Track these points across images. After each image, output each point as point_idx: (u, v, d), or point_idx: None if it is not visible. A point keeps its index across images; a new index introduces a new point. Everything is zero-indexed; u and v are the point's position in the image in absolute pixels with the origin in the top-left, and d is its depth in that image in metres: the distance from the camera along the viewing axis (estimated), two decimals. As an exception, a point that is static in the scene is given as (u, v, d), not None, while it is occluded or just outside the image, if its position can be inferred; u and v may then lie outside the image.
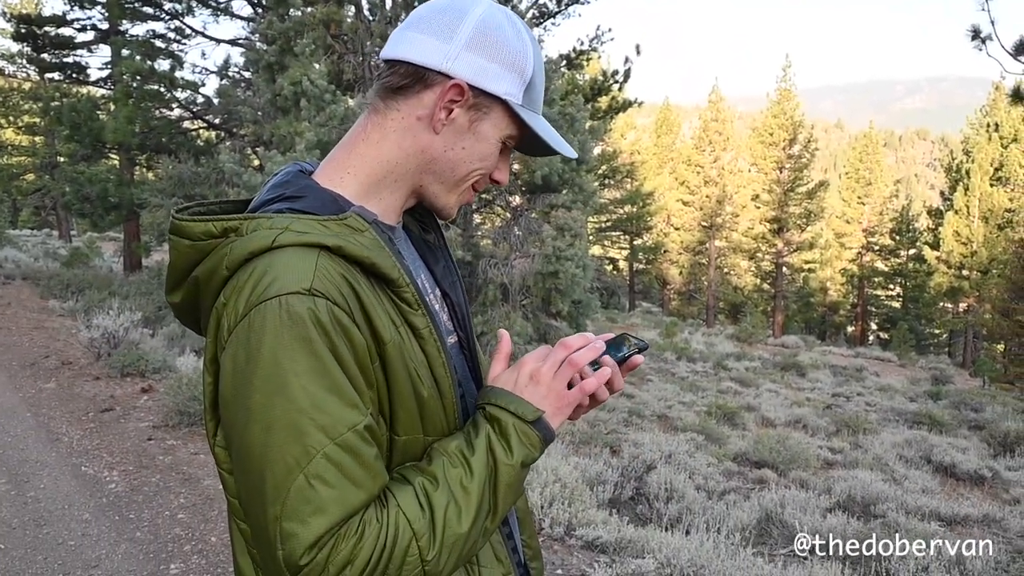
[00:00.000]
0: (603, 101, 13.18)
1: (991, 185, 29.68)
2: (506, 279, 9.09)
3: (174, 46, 16.55)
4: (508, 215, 10.10)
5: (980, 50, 6.17)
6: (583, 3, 12.37)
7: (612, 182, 31.62)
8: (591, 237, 33.57)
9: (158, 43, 16.05)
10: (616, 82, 12.79)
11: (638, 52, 12.68)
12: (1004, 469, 8.37)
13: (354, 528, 0.75)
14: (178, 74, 14.62)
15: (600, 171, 27.57)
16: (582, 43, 13.00)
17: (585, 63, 13.35)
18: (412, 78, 0.89)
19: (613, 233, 36.17)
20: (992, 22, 6.05)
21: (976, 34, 6.15)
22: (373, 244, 0.83)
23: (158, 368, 7.51)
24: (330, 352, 0.76)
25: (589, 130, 10.72)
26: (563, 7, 12.20)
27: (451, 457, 0.85)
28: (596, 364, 0.93)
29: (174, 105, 15.61)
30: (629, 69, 12.66)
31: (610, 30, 13.05)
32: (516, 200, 10.00)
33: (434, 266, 1.02)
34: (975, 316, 28.29)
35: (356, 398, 0.78)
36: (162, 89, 14.34)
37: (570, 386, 0.91)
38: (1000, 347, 25.37)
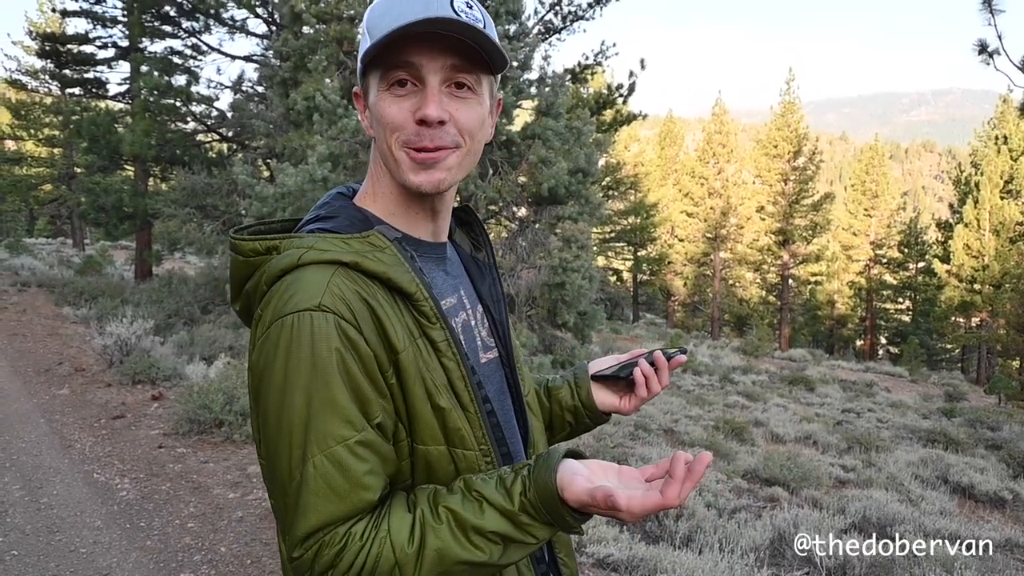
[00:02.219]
0: (608, 114, 13.29)
1: (1001, 198, 29.37)
2: (512, 290, 9.16)
3: (191, 62, 16.86)
4: (514, 226, 10.19)
5: (988, 64, 6.18)
6: (588, 19, 12.50)
7: (616, 193, 31.48)
8: (595, 248, 33.54)
9: (175, 59, 16.39)
10: (621, 95, 12.90)
11: (642, 66, 12.79)
12: None
13: (338, 538, 0.80)
14: (194, 89, 14.93)
15: (604, 182, 27.57)
16: (587, 58, 13.12)
17: (590, 77, 13.48)
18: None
19: (617, 244, 35.92)
20: (999, 36, 6.04)
21: (983, 48, 6.13)
22: (392, 260, 0.88)
23: (168, 376, 7.61)
24: (335, 367, 0.81)
25: (594, 142, 10.80)
26: (568, 23, 12.35)
27: (472, 502, 0.84)
28: (629, 367, 1.17)
29: (189, 119, 15.89)
30: (634, 83, 12.77)
31: (614, 45, 13.17)
32: (522, 212, 10.09)
33: (480, 284, 1.07)
34: (989, 331, 27.71)
35: (354, 412, 0.82)
36: (178, 103, 14.62)
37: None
38: (1015, 363, 24.69)
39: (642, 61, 12.60)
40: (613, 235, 34.76)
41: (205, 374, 7.19)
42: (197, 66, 16.89)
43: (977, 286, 29.15)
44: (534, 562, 1.01)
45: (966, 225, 30.04)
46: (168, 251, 17.46)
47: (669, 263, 36.08)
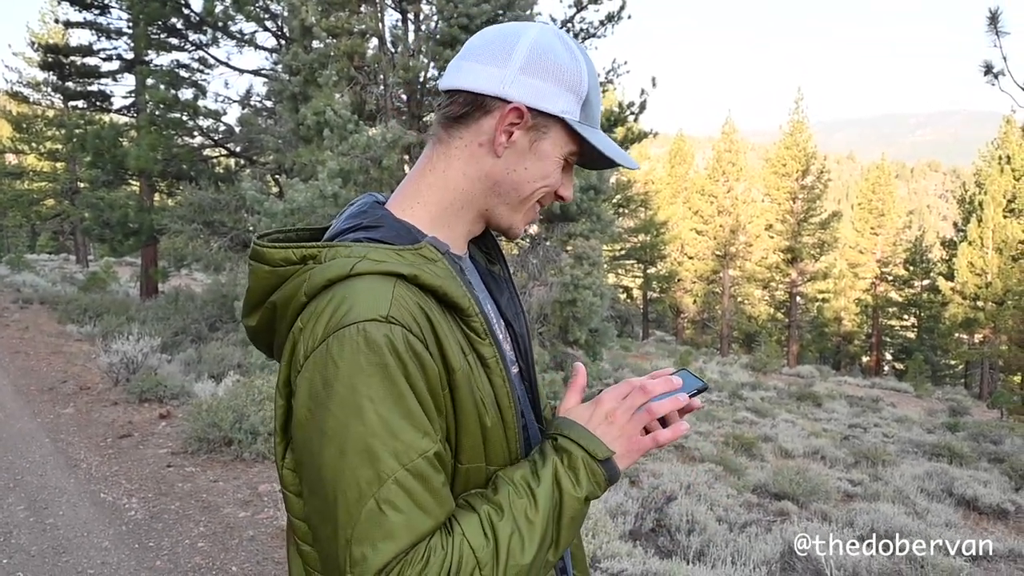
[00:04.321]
0: (619, 132, 13.26)
1: (1004, 217, 29.73)
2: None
3: (198, 75, 16.83)
4: (526, 243, 10.12)
5: (993, 84, 6.29)
6: (599, 36, 12.52)
7: (626, 211, 31.73)
8: (606, 265, 33.64)
9: (182, 73, 16.35)
10: (632, 113, 12.88)
11: (654, 84, 12.79)
12: None
13: (420, 555, 0.76)
14: (201, 103, 14.89)
15: (615, 200, 27.71)
16: (599, 76, 13.10)
17: (602, 95, 13.40)
18: (471, 106, 0.91)
19: (627, 261, 36.14)
20: (1004, 58, 6.16)
21: (989, 69, 6.28)
22: (446, 273, 0.85)
23: (176, 394, 7.52)
24: (404, 379, 0.78)
25: (606, 160, 10.74)
26: (580, 41, 12.38)
27: (517, 487, 0.85)
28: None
29: (196, 133, 15.85)
30: (645, 101, 12.76)
31: (626, 63, 13.18)
32: (534, 228, 10.03)
33: (499, 297, 1.04)
34: (991, 347, 28.11)
35: (428, 425, 0.79)
36: (185, 117, 14.58)
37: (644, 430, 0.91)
38: (1017, 378, 25.23)
39: (653, 79, 12.59)
40: (623, 252, 35.02)
41: (214, 392, 7.08)
42: (204, 80, 16.89)
43: (980, 303, 29.48)
44: (557, 573, 1.00)
45: (970, 243, 30.39)
46: (175, 267, 17.41)
47: (679, 280, 36.36)
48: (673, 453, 9.52)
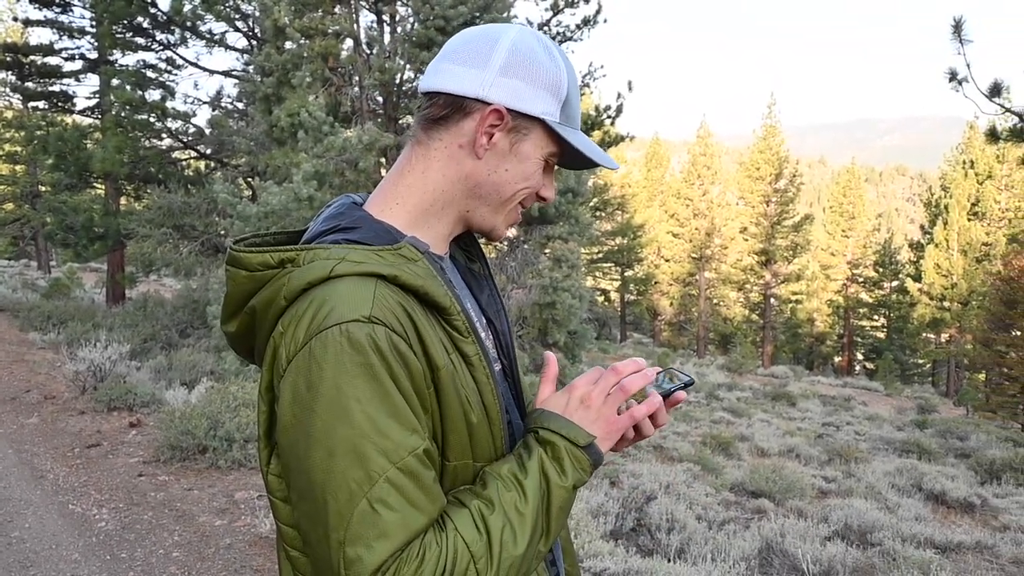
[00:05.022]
0: (596, 135, 13.29)
1: (968, 219, 30.62)
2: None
3: (166, 76, 16.45)
4: (504, 246, 10.08)
5: (957, 91, 6.41)
6: (576, 40, 12.57)
7: (603, 214, 32.02)
8: (584, 268, 33.82)
9: (149, 73, 15.94)
10: (609, 117, 12.92)
11: (630, 88, 12.85)
12: (992, 496, 8.48)
13: (415, 552, 0.76)
14: (169, 104, 14.51)
15: (592, 203, 27.89)
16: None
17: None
18: (451, 108, 0.91)
19: (604, 264, 36.44)
20: (968, 65, 6.27)
21: (953, 76, 6.38)
22: (426, 273, 0.85)
23: (147, 402, 7.32)
24: (390, 378, 0.78)
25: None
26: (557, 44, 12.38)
27: (505, 481, 0.86)
28: (642, 395, 0.94)
29: (164, 135, 15.49)
30: (621, 104, 12.81)
31: (602, 66, 13.25)
32: (512, 231, 10.00)
33: (479, 295, 1.04)
34: (957, 346, 28.93)
35: (415, 423, 0.79)
36: (152, 119, 14.22)
37: (618, 412, 0.92)
38: (982, 376, 25.90)
39: (629, 83, 12.66)
40: (601, 255, 35.32)
41: (186, 399, 6.90)
42: (173, 80, 16.54)
43: (947, 303, 30.32)
44: (547, 564, 1.01)
45: (936, 245, 31.24)
46: (143, 273, 17.03)
47: (656, 283, 36.78)
48: (652, 453, 9.59)
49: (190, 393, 7.37)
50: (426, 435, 0.81)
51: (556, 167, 1.01)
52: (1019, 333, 20.49)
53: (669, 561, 4.17)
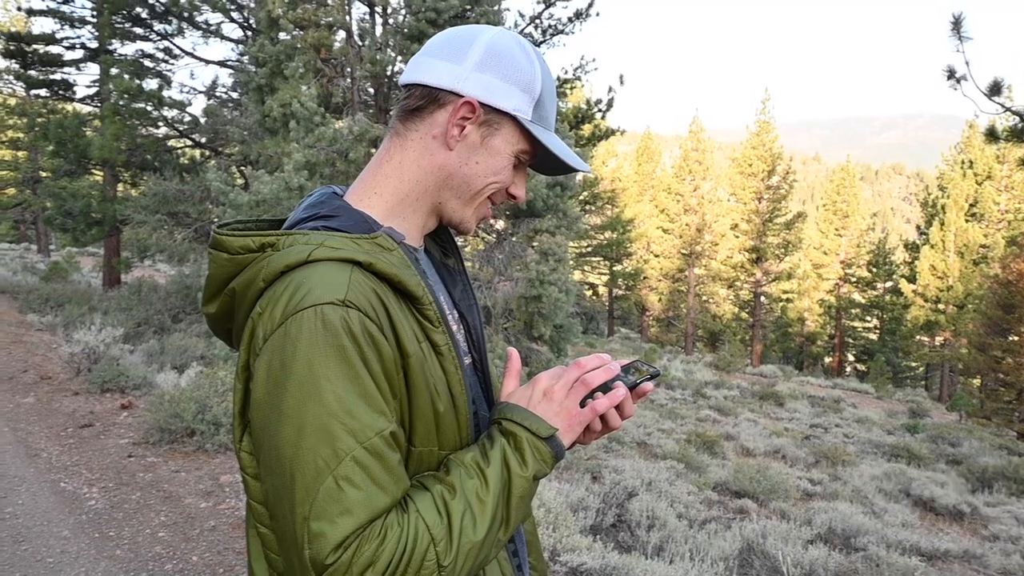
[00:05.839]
0: (586, 129, 13.40)
1: (966, 221, 30.15)
2: (489, 302, 9.15)
3: (163, 66, 16.58)
4: (492, 239, 10.20)
5: (955, 89, 6.28)
6: (568, 33, 12.64)
7: (593, 208, 31.72)
8: (571, 262, 33.67)
9: (147, 63, 16.09)
10: (600, 111, 13.03)
11: (621, 82, 12.95)
12: (983, 505, 8.38)
13: (377, 530, 0.78)
14: (166, 93, 14.63)
15: (582, 197, 27.75)
16: (567, 72, 13.28)
17: (569, 91, 13.62)
18: (427, 99, 0.95)
19: (593, 258, 36.02)
20: (967, 63, 6.15)
21: (952, 74, 6.24)
22: (401, 262, 0.88)
23: (138, 384, 7.48)
24: (361, 361, 0.80)
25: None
26: (548, 37, 12.46)
27: (467, 468, 0.88)
28: (607, 387, 0.95)
29: (161, 123, 15.61)
30: (613, 98, 12.92)
31: (594, 60, 13.32)
32: (500, 224, 10.11)
33: (452, 289, 1.07)
34: (951, 350, 28.29)
35: (384, 405, 0.82)
36: (149, 107, 14.34)
37: (583, 405, 0.94)
38: (976, 382, 25.17)
39: (621, 77, 12.76)
40: (589, 249, 34.91)
41: (176, 383, 7.06)
42: (169, 70, 16.67)
43: (941, 306, 29.86)
44: (509, 555, 1.03)
45: (932, 247, 30.75)
46: (138, 258, 17.13)
47: (644, 278, 36.29)
48: (635, 450, 9.62)
49: (180, 377, 7.52)
50: (393, 419, 0.83)
51: (528, 168, 1.03)
52: (1016, 338, 20.17)
53: (647, 558, 4.18)
